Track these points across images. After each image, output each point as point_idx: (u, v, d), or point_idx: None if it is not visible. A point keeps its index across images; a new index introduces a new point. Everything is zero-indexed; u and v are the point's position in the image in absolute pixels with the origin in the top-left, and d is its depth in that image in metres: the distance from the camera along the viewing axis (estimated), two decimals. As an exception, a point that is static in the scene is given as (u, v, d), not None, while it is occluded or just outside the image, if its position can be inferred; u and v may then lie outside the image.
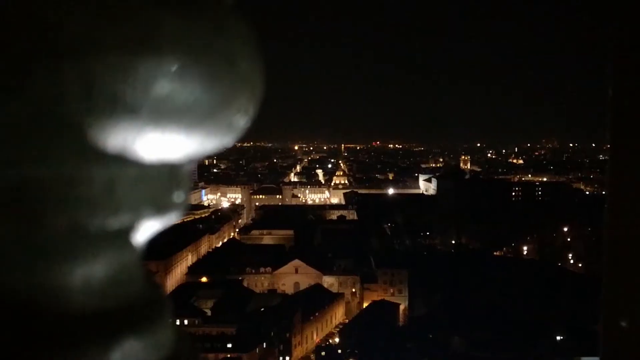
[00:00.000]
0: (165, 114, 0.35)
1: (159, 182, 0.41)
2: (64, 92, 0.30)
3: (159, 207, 0.41)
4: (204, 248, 76.81)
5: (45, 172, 0.33)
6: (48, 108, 0.30)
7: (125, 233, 0.40)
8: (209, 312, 51.90)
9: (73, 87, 0.30)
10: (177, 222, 0.45)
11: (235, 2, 0.42)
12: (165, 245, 58.38)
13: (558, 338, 44.00)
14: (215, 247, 76.63)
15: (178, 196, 0.43)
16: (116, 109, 0.32)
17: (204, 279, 62.18)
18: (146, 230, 0.42)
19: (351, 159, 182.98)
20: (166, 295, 0.46)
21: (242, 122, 0.41)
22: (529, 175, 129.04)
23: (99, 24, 0.31)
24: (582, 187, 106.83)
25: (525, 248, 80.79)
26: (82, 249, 0.38)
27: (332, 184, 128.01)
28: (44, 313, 0.36)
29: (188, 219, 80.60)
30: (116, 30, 0.31)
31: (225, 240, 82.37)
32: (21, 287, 0.36)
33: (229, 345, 45.47)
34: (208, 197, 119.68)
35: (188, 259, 70.08)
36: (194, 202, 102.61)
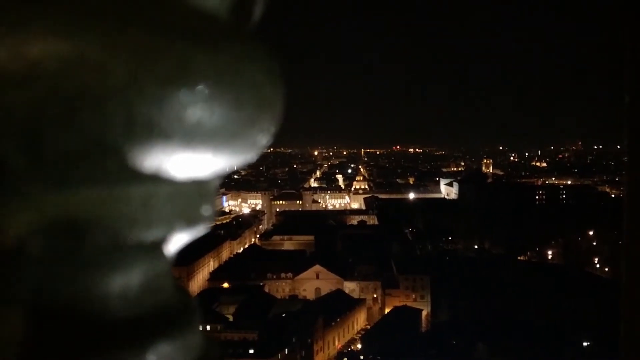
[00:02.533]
0: (196, 137, 0.39)
1: (189, 198, 0.44)
2: (107, 123, 0.34)
3: (190, 221, 0.44)
4: (225, 254, 77.28)
5: (90, 192, 0.37)
6: (93, 137, 0.34)
7: (158, 245, 0.44)
8: (230, 318, 52.12)
9: (114, 118, 0.35)
10: (212, 221, 0.48)
11: (256, 29, 0.48)
12: (187, 252, 58.02)
13: (584, 344, 43.12)
14: (237, 252, 77.07)
15: (206, 210, 0.46)
16: (152, 135, 0.36)
17: (225, 285, 62.52)
18: (177, 241, 0.45)
19: (371, 163, 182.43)
20: (195, 302, 0.49)
21: (264, 140, 0.45)
22: (553, 179, 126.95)
23: (138, 63, 0.35)
24: (608, 190, 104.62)
25: (549, 253, 79.38)
26: (121, 261, 0.41)
27: (352, 189, 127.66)
28: (87, 319, 0.40)
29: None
30: (154, 67, 0.35)
31: (246, 246, 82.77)
32: (67, 296, 0.39)
33: (251, 351, 45.58)
34: (229, 204, 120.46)
35: (210, 265, 70.59)
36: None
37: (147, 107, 0.36)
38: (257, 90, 0.42)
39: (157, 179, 0.40)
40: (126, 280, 0.42)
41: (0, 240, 0.36)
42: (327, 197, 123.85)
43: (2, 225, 0.36)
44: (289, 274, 65.30)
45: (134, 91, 0.35)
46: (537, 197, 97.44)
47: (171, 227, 0.43)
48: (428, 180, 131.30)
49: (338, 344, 55.13)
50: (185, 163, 0.41)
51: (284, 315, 50.89)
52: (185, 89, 0.37)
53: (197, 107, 0.38)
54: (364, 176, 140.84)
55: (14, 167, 0.34)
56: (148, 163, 0.38)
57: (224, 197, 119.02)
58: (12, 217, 0.36)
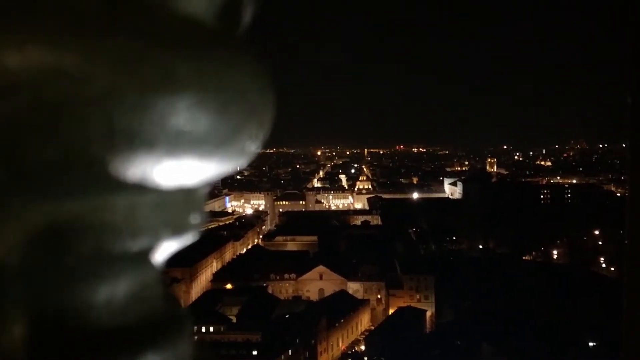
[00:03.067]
0: (181, 145, 0.38)
1: (176, 206, 0.44)
2: (88, 133, 0.34)
3: (177, 229, 0.44)
4: (228, 255, 77.13)
5: (73, 203, 0.37)
6: (75, 147, 0.34)
7: (145, 254, 0.43)
8: (234, 319, 51.96)
9: (96, 127, 0.34)
10: (201, 230, 0.48)
11: (249, 32, 0.48)
12: (190, 253, 58.83)
13: (590, 344, 42.76)
14: (240, 253, 76.92)
15: (194, 218, 0.46)
16: (134, 143, 0.36)
17: (228, 286, 62.36)
18: (165, 250, 0.45)
19: (374, 163, 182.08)
20: (186, 310, 0.49)
21: (253, 147, 0.45)
22: (558, 178, 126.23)
23: (120, 72, 0.34)
24: (613, 188, 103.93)
25: (555, 252, 78.88)
26: (106, 271, 0.41)
27: (356, 189, 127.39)
28: (73, 330, 0.39)
29: (212, 226, 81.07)
30: (135, 76, 0.35)
31: (249, 246, 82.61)
32: (52, 307, 0.38)
33: (255, 352, 45.39)
34: (232, 204, 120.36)
35: (213, 266, 70.45)
36: (217, 209, 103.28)
37: (129, 116, 0.35)
38: (244, 97, 0.41)
39: (141, 188, 0.39)
40: (112, 290, 0.41)
41: None
42: (331, 197, 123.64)
43: None
44: (293, 275, 65.10)
45: (115, 100, 0.35)
46: (541, 196, 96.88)
47: (158, 236, 0.43)
48: (432, 180, 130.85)
49: (342, 345, 54.87)
50: (171, 171, 0.40)
51: (287, 316, 50.67)
52: (167, 97, 0.36)
53: (180, 115, 0.37)
54: (367, 176, 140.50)
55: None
56: (132, 172, 0.38)
57: (227, 198, 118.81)
58: None
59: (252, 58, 0.43)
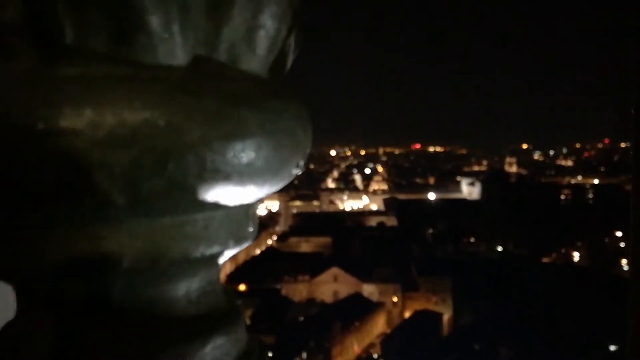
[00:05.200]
0: (247, 176, 0.53)
1: (239, 220, 0.60)
2: (185, 171, 0.50)
3: (239, 238, 0.60)
4: (241, 256, 76.62)
5: (170, 220, 0.53)
6: (175, 181, 0.50)
7: (215, 257, 0.59)
8: (247, 321, 51.09)
9: (191, 167, 0.50)
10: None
11: (290, 85, 0.62)
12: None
13: (612, 348, 41.36)
14: (253, 255, 76.35)
15: (251, 228, 0.62)
16: (216, 177, 0.51)
17: (242, 288, 61.77)
18: (228, 255, 0.61)
19: (390, 163, 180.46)
20: (240, 302, 0.66)
21: (298, 170, 0.60)
22: (579, 178, 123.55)
23: (208, 125, 0.50)
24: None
25: (575, 254, 76.92)
26: (187, 271, 0.58)
27: (371, 189, 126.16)
28: (161, 318, 0.56)
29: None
30: (218, 128, 0.50)
31: (262, 248, 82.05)
32: (145, 299, 0.56)
33: (269, 355, 44.67)
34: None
35: (226, 268, 69.96)
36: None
37: (214, 157, 0.50)
38: (292, 136, 0.56)
39: (216, 206, 0.55)
40: (189, 286, 0.58)
41: (104, 255, 0.51)
42: (345, 198, 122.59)
43: (107, 244, 0.51)
44: (306, 277, 64.27)
45: (205, 146, 0.49)
46: (562, 196, 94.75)
47: (225, 244, 0.58)
48: (449, 180, 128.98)
49: (357, 349, 53.88)
50: (238, 194, 0.55)
51: (301, 319, 49.88)
52: (240, 142, 0.51)
53: (248, 155, 0.51)
54: (382, 176, 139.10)
55: (117, 205, 0.49)
56: (211, 196, 0.53)
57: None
58: (115, 239, 0.51)
59: (297, 103, 0.57)
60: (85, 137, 0.43)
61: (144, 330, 0.55)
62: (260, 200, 0.62)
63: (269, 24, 0.53)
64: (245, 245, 0.62)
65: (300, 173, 0.62)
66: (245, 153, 0.51)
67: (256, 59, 0.55)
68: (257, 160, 0.52)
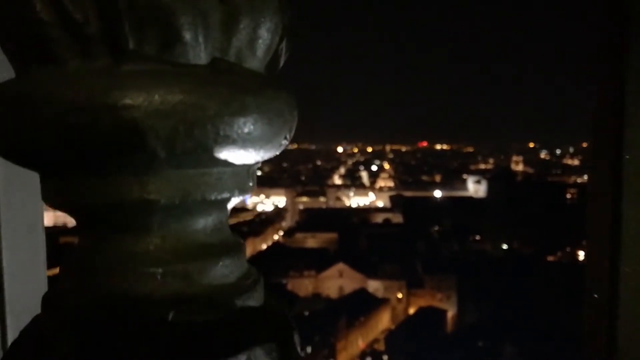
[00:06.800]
0: (247, 142, 0.70)
1: (242, 175, 0.78)
2: (206, 135, 0.67)
3: (242, 189, 0.78)
4: (248, 251, 76.50)
5: (195, 171, 0.71)
6: (199, 143, 0.67)
7: (225, 202, 0.78)
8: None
9: (209, 133, 0.67)
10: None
11: (280, 74, 0.81)
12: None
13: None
14: (259, 250, 76.67)
15: (252, 182, 0.81)
16: (227, 142, 0.68)
17: (248, 282, 62.01)
18: (234, 201, 0.79)
19: (397, 160, 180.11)
20: (242, 240, 0.84)
21: (285, 142, 0.79)
22: (585, 177, 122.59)
23: (222, 104, 0.67)
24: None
25: (581, 253, 76.70)
26: (205, 209, 0.76)
27: (377, 186, 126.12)
28: (187, 243, 0.75)
29: (232, 222, 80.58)
30: (228, 107, 0.67)
31: (269, 243, 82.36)
32: (177, 228, 0.75)
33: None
34: (252, 201, 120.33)
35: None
36: (237, 206, 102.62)
37: (225, 127, 0.67)
38: (281, 115, 0.74)
39: (226, 164, 0.72)
40: (206, 221, 0.76)
41: (149, 194, 0.69)
42: (352, 194, 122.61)
43: (151, 187, 0.69)
44: (312, 272, 64.55)
45: (219, 119, 0.66)
46: (568, 195, 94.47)
47: (232, 192, 0.76)
48: (455, 178, 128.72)
49: (362, 344, 54.18)
50: (241, 155, 0.72)
51: (306, 313, 50.20)
52: (243, 117, 0.68)
53: (249, 127, 0.69)
54: (389, 173, 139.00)
55: (160, 158, 0.66)
56: (223, 156, 0.70)
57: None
58: (156, 184, 0.69)
59: (286, 92, 0.76)
60: (141, 111, 0.62)
61: (175, 248, 0.73)
62: (258, 163, 0.80)
63: (265, 35, 0.73)
64: (246, 195, 0.80)
65: (287, 144, 0.80)
66: (246, 125, 0.69)
67: (256, 60, 0.74)
68: (255, 131, 0.70)
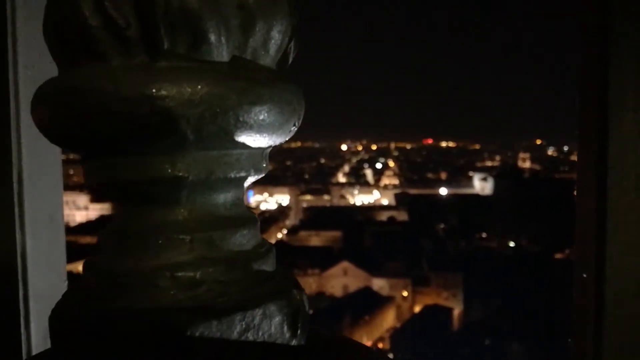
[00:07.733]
0: (262, 127, 0.80)
1: (258, 156, 0.87)
2: (227, 121, 0.77)
3: (257, 169, 0.87)
4: (251, 249, 76.20)
5: (218, 153, 0.81)
6: (222, 128, 0.77)
7: (242, 180, 0.87)
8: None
9: (231, 119, 0.77)
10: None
11: (287, 70, 0.90)
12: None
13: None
14: (264, 248, 75.99)
15: (265, 163, 0.90)
16: (245, 127, 0.77)
17: (252, 281, 61.60)
18: (251, 179, 0.89)
19: (401, 158, 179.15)
20: (255, 214, 0.94)
21: (294, 129, 0.87)
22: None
23: (241, 95, 0.77)
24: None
25: (589, 250, 75.64)
26: (226, 186, 0.85)
27: (382, 184, 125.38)
28: (209, 219, 0.85)
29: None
30: (247, 97, 0.77)
31: (273, 241, 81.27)
32: (202, 205, 0.85)
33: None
34: (255, 199, 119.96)
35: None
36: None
37: (243, 114, 0.76)
38: (290, 105, 0.83)
39: (243, 146, 0.81)
40: (226, 197, 0.86)
41: (179, 172, 0.78)
42: (356, 192, 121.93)
43: (181, 165, 0.78)
44: (316, 270, 64.04)
45: (239, 108, 0.76)
46: (575, 193, 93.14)
47: (249, 171, 0.86)
48: (461, 176, 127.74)
49: (367, 342, 53.63)
50: (256, 139, 0.81)
51: (311, 312, 49.39)
52: (258, 106, 0.77)
53: (263, 114, 0.78)
54: (394, 171, 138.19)
55: (189, 140, 0.75)
56: (241, 139, 0.79)
57: (251, 192, 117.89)
58: (185, 163, 0.78)
59: (294, 85, 0.85)
60: (174, 100, 0.71)
61: (200, 219, 0.82)
62: (270, 146, 0.88)
63: (277, 36, 0.82)
64: (260, 175, 0.89)
65: (295, 130, 0.88)
66: (261, 113, 0.77)
67: (269, 58, 0.83)
68: (268, 118, 0.79)
